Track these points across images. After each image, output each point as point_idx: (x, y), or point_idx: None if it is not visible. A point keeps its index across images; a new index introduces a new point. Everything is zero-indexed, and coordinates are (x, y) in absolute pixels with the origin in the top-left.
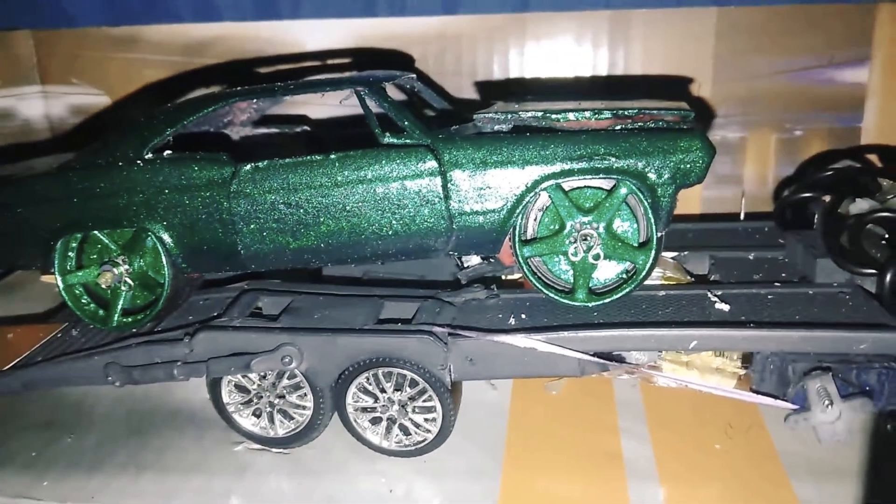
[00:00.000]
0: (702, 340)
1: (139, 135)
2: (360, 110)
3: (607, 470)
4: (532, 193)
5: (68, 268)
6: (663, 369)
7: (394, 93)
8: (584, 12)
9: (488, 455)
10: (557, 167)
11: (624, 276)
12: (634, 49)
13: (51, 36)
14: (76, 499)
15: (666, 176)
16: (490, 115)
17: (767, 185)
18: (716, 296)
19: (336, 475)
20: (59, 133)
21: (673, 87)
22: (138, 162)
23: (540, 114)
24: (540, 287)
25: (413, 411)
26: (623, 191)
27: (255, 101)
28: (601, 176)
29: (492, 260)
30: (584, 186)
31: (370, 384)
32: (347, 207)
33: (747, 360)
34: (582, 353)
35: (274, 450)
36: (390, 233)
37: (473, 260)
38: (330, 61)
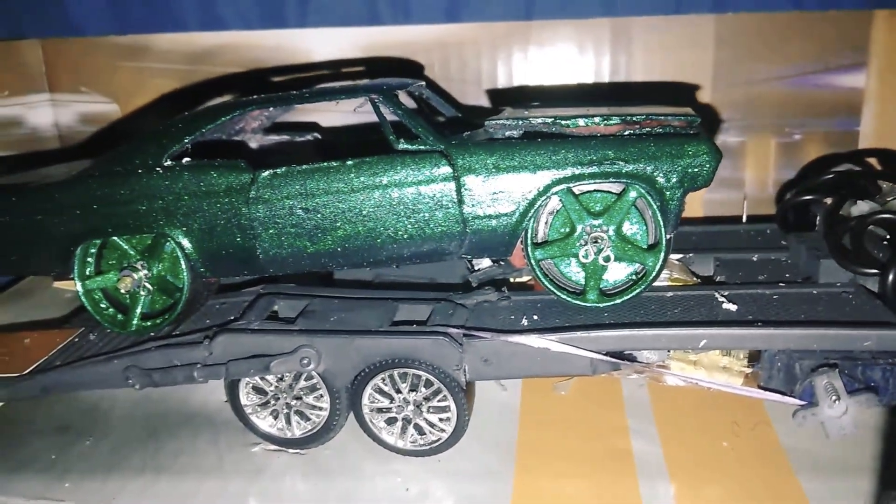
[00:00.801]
0: (711, 339)
1: (158, 142)
2: (364, 118)
3: (618, 468)
4: (544, 197)
5: (88, 273)
6: (672, 368)
7: (404, 100)
8: (585, 20)
9: (500, 455)
10: (568, 171)
11: (633, 277)
12: (635, 55)
13: (59, 45)
14: (97, 501)
15: (674, 180)
16: (501, 121)
17: (768, 188)
18: (723, 296)
19: (352, 475)
20: (68, 141)
21: (675, 92)
22: (158, 169)
23: (550, 120)
24: (552, 289)
25: (428, 411)
26: (632, 194)
27: (270, 109)
28: (611, 180)
29: (502, 263)
30: (594, 190)
31: (386, 385)
32: (364, 212)
33: (753, 359)
34: (594, 352)
35: (290, 450)
36: (405, 236)
37: (484, 263)
38: (336, 69)
